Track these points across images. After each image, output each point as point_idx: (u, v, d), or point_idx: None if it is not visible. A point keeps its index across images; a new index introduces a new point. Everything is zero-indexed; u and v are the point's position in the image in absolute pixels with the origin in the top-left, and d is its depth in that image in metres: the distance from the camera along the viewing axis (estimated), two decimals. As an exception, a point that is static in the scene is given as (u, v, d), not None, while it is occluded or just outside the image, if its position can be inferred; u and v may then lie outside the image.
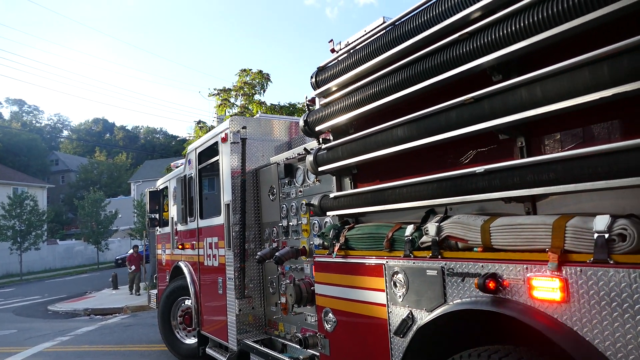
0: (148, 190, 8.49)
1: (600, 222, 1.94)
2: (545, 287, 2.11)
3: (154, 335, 8.71)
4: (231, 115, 17.60)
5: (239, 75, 18.76)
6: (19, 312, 15.94)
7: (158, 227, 8.55)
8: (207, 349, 6.20)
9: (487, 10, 2.44)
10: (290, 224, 4.87)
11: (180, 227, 7.19)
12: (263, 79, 18.55)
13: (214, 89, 19.02)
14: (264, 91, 18.78)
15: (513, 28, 2.22)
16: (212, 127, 17.15)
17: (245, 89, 18.55)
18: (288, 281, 4.77)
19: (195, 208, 6.53)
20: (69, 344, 9.73)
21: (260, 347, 4.90)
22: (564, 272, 2.04)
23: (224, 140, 5.56)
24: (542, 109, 2.13)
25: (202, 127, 20.33)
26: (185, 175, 6.93)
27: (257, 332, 5.46)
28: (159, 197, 8.43)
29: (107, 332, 10.96)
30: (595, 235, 1.94)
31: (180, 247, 7.14)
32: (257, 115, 7.11)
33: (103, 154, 78.95)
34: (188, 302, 6.91)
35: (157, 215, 8.47)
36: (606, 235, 1.91)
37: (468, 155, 2.85)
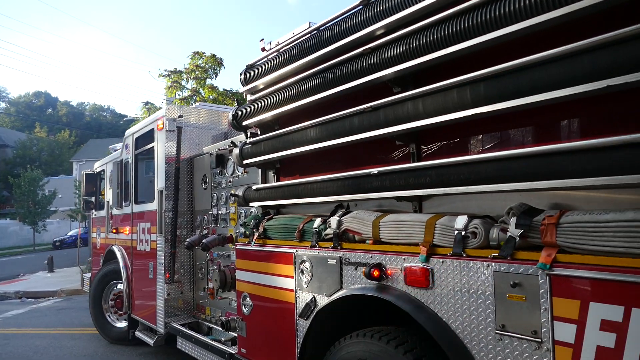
0: (84, 173, 8.36)
1: (460, 221, 2.29)
2: (416, 276, 2.44)
3: (87, 318, 8.60)
4: (179, 99, 17.33)
5: (192, 58, 18.35)
6: None
7: (94, 210, 8.45)
8: (136, 332, 6.29)
9: (388, 29, 2.73)
10: (220, 212, 5.06)
11: (115, 211, 7.17)
12: (216, 64, 18.26)
13: (165, 70, 18.58)
14: (217, 76, 18.55)
15: (403, 48, 2.52)
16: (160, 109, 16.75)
17: (197, 73, 18.20)
18: (215, 267, 4.97)
19: (131, 193, 6.55)
20: None
21: (185, 330, 5.08)
22: (430, 263, 2.38)
23: (160, 127, 5.64)
24: (421, 122, 2.45)
25: (150, 108, 19.81)
26: (122, 160, 6.92)
27: (186, 315, 5.63)
28: (95, 180, 8.32)
29: (37, 315, 10.68)
30: (455, 232, 2.29)
31: (114, 231, 7.13)
32: (197, 104, 7.18)
33: (44, 130, 74.49)
34: (120, 286, 6.92)
35: (93, 198, 8.36)
36: (463, 233, 2.26)
37: (373, 157, 3.15)
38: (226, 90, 18.24)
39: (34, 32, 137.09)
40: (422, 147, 2.80)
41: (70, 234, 36.17)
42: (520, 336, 1.99)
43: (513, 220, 2.04)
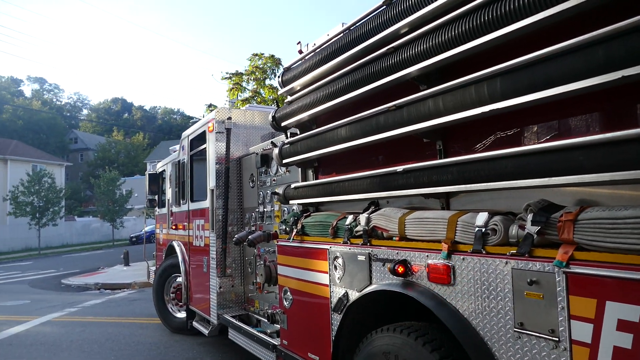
0: (148, 173, 8.97)
1: (481, 218, 2.27)
2: (438, 273, 2.45)
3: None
4: (241, 100, 17.89)
5: (251, 60, 18.80)
6: (34, 284, 16.72)
7: (157, 208, 9.05)
8: (193, 323, 6.69)
9: (410, 27, 2.74)
10: (265, 210, 5.26)
11: (174, 209, 7.65)
12: (275, 64, 18.63)
13: (227, 73, 19.16)
14: (276, 76, 18.93)
15: (424, 46, 2.53)
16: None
17: (256, 74, 18.66)
18: (262, 262, 5.18)
19: (187, 191, 6.97)
20: (76, 314, 10.33)
21: (235, 322, 5.35)
22: (452, 260, 2.38)
23: (211, 129, 5.95)
24: (440, 120, 2.46)
25: (213, 110, 20.58)
26: (179, 160, 7.36)
27: (237, 308, 5.91)
28: (158, 180, 8.90)
29: (112, 305, 11.57)
30: (476, 229, 2.28)
31: (174, 227, 7.61)
32: (246, 106, 7.46)
33: (121, 134, 79.91)
34: (179, 279, 7.38)
35: (156, 197, 8.96)
36: (483, 230, 2.24)
37: (405, 154, 3.16)
38: (287, 90, 18.50)
39: (109, 42, 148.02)
40: (449, 144, 2.78)
41: (144, 230, 38.77)
42: (538, 334, 1.96)
43: (530, 217, 2.01)
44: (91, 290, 15.13)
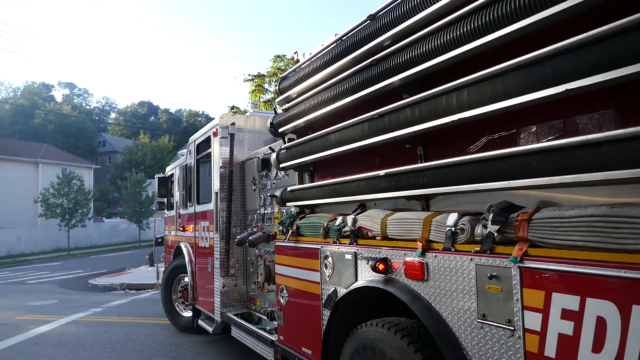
0: (157, 176, 9.26)
1: (451, 219, 2.46)
2: (414, 269, 2.64)
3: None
4: (263, 102, 18.06)
5: (273, 61, 18.82)
6: (62, 284, 17.03)
7: (166, 210, 9.33)
8: (199, 321, 6.93)
9: (392, 40, 2.94)
10: (266, 211, 5.48)
11: (182, 211, 7.91)
12: (296, 65, 18.67)
13: (249, 75, 19.27)
14: (297, 77, 18.91)
15: (404, 58, 2.73)
16: (246, 112, 17.66)
17: (279, 75, 18.76)
18: (263, 262, 5.40)
19: (193, 194, 7.23)
20: (100, 314, 10.50)
21: (236, 319, 5.57)
22: (426, 257, 2.57)
23: (215, 134, 6.20)
24: (417, 127, 2.65)
25: (236, 112, 20.82)
26: (186, 164, 7.63)
27: (240, 306, 6.13)
28: (167, 183, 9.18)
29: (136, 305, 11.73)
30: (447, 228, 2.46)
31: (181, 229, 7.87)
32: (250, 112, 7.72)
33: (147, 136, 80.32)
34: (186, 279, 7.62)
35: (165, 200, 9.24)
36: (453, 229, 2.43)
37: (389, 159, 3.36)
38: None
39: (136, 48, 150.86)
40: (429, 149, 2.97)
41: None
42: (497, 324, 2.14)
43: (491, 216, 2.19)
44: (117, 290, 15.16)
